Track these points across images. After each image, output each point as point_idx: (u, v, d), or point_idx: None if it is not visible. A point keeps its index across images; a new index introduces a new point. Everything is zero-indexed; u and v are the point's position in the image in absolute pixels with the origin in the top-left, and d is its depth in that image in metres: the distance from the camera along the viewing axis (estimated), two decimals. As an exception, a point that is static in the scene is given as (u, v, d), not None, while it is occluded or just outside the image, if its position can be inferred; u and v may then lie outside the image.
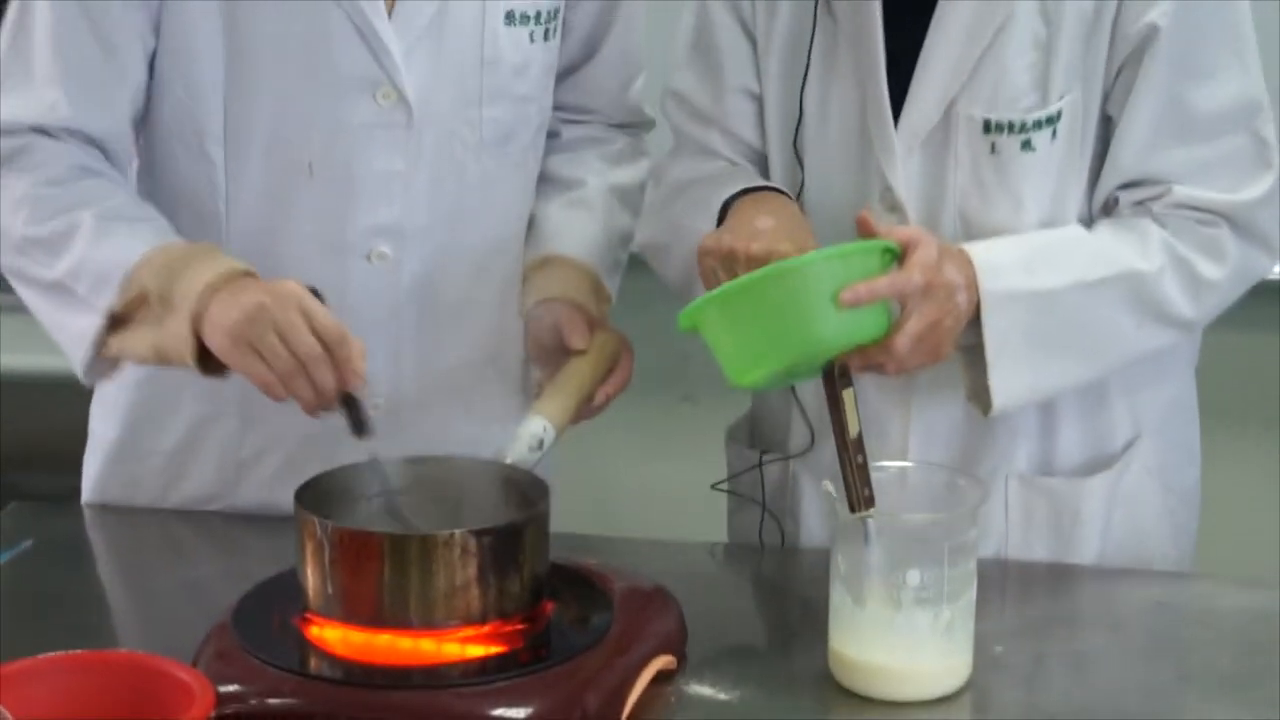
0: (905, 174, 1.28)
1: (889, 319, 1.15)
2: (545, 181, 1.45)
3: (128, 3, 1.30)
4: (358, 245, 1.33)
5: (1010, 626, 1.22)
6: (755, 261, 1.18)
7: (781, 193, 1.31)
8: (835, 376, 1.10)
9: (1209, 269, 1.26)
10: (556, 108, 1.43)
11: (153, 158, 1.38)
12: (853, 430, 1.10)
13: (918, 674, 1.13)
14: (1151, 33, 1.21)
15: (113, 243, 1.26)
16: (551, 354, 1.36)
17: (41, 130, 1.31)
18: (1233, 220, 1.25)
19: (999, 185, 1.26)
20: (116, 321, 1.25)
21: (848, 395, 1.10)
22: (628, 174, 1.47)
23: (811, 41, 1.30)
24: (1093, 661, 1.18)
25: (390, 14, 1.30)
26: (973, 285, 1.20)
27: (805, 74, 1.31)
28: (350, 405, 1.20)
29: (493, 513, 1.19)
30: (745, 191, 1.30)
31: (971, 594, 1.12)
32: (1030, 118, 1.24)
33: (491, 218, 1.40)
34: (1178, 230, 1.25)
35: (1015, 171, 1.26)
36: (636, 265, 1.46)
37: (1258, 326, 1.86)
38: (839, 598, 1.13)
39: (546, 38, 1.37)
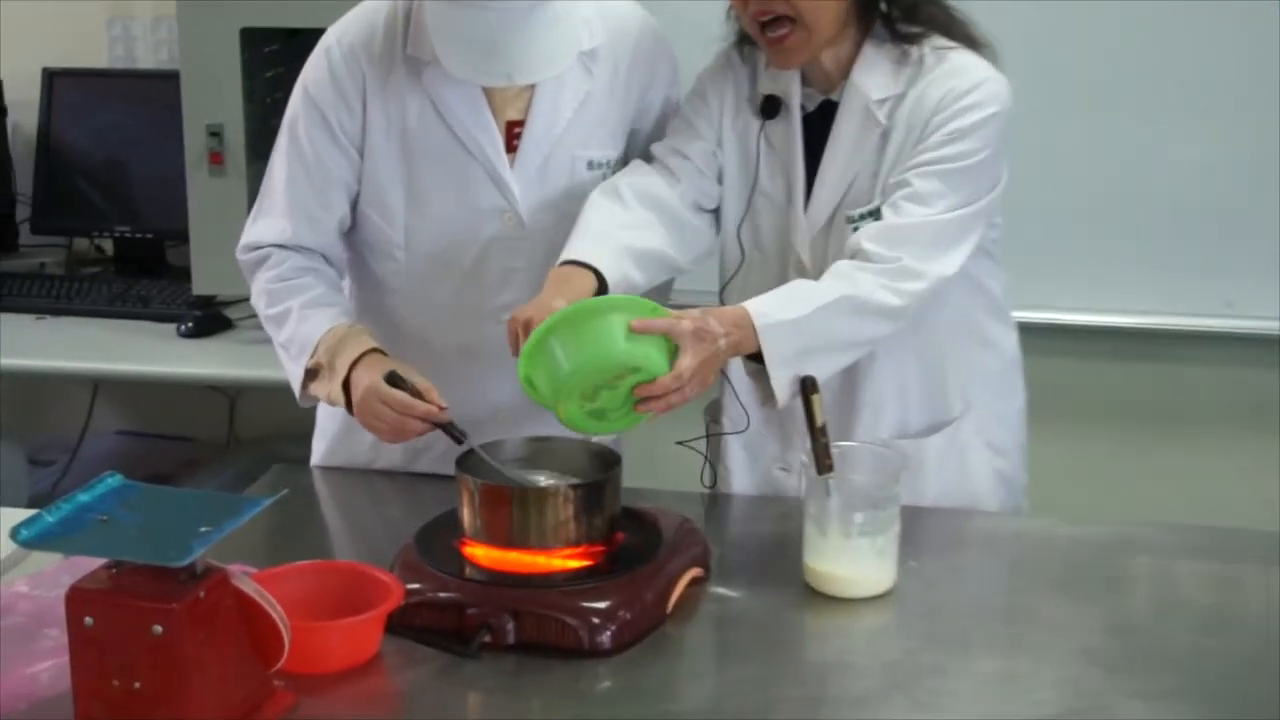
0: (810, 251, 2.35)
1: (669, 365, 2.09)
2: None
3: (337, 164, 2.40)
4: (491, 314, 2.37)
5: (921, 549, 2.21)
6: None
7: (586, 266, 2.25)
8: (807, 388, 2.11)
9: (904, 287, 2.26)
10: None
11: (361, 256, 2.46)
12: (819, 421, 2.09)
13: (862, 580, 2.09)
14: (898, 184, 2.27)
15: (308, 325, 2.36)
16: None
17: (278, 245, 2.39)
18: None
19: (840, 248, 2.32)
20: (310, 375, 2.34)
21: (816, 400, 2.11)
22: None
23: (758, 163, 2.37)
24: (974, 572, 2.20)
25: (512, 166, 2.37)
26: (734, 333, 2.16)
27: (754, 186, 2.38)
28: (446, 429, 2.22)
29: (585, 473, 2.13)
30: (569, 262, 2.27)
31: (897, 528, 2.09)
32: (867, 210, 2.31)
33: None
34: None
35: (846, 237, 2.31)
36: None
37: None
38: (810, 530, 2.10)
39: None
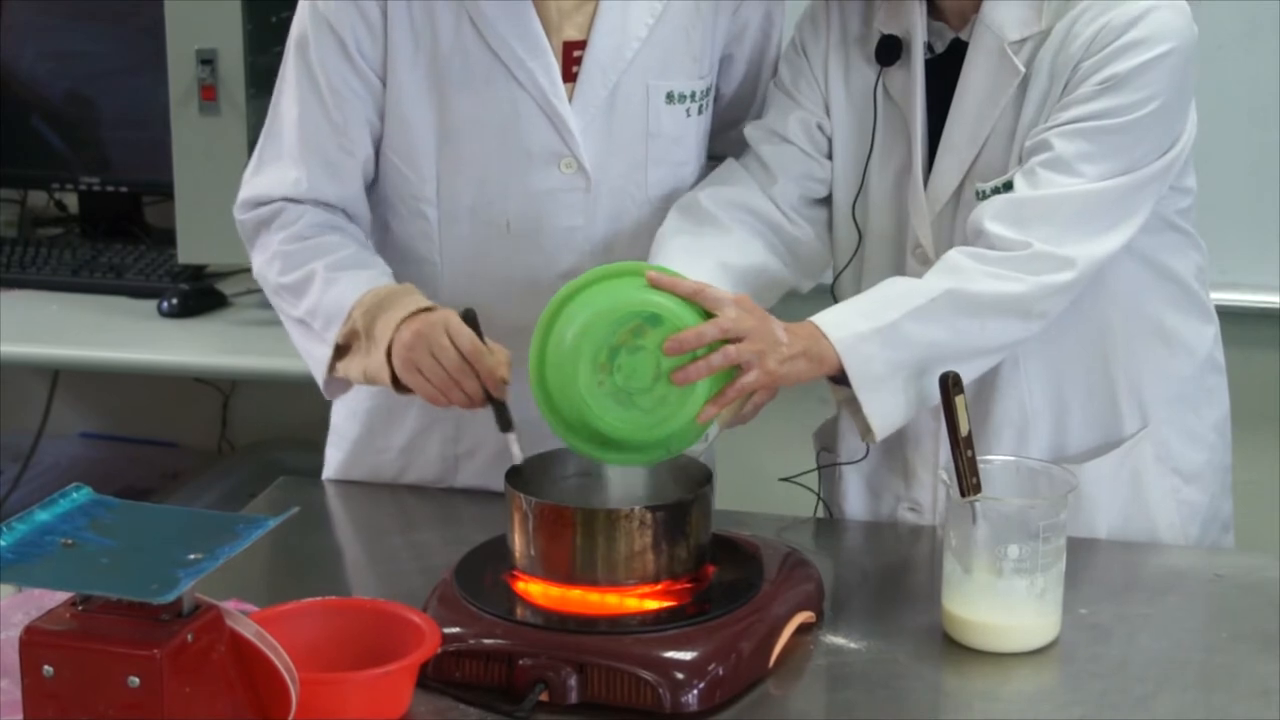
0: (933, 232, 2.36)
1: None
2: None
3: (357, 95, 2.41)
4: (547, 287, 2.33)
5: (1092, 593, 2.21)
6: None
7: None
8: (949, 386, 2.10)
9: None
10: (712, 157, 2.52)
11: (382, 216, 2.50)
12: (963, 429, 2.09)
13: (1016, 630, 2.10)
14: (1036, 146, 2.29)
15: (337, 289, 2.37)
16: None
17: (290, 199, 2.42)
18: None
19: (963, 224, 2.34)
20: (340, 351, 2.35)
21: (959, 401, 2.10)
22: None
23: (875, 119, 2.39)
24: (1161, 623, 2.19)
25: (570, 98, 2.40)
26: (801, 342, 2.18)
27: (870, 150, 2.40)
28: (496, 405, 2.24)
29: (666, 492, 2.16)
30: None
31: (1061, 565, 2.09)
32: (1000, 183, 2.31)
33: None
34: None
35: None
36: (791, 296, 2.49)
37: None
38: (950, 566, 2.11)
39: (700, 112, 2.48)
